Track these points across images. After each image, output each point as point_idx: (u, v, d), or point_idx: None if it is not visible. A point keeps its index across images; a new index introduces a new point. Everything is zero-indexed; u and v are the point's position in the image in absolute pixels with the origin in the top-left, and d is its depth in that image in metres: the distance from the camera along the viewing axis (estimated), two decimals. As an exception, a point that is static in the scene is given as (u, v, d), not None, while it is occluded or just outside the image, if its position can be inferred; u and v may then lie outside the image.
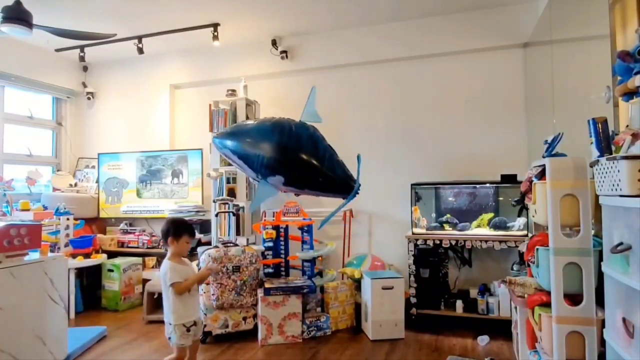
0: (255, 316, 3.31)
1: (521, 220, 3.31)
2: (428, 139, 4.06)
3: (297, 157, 3.16)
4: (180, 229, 2.36)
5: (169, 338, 2.31)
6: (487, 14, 3.83)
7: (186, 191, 4.62)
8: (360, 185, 3.24)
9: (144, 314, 3.73)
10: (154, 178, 4.72)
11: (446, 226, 3.58)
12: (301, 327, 3.25)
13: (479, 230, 3.50)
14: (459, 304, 3.42)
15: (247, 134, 3.30)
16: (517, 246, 3.07)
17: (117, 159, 4.82)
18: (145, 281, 4.04)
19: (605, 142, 1.63)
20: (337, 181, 3.25)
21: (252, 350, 3.08)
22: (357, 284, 3.61)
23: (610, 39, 1.99)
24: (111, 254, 4.41)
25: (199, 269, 3.26)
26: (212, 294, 3.17)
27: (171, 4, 3.69)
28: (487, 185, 3.64)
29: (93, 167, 5.02)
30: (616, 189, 1.39)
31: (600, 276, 1.61)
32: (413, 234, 3.54)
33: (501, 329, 3.17)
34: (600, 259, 1.61)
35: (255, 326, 3.28)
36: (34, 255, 2.68)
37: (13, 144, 4.59)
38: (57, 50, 4.61)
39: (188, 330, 2.28)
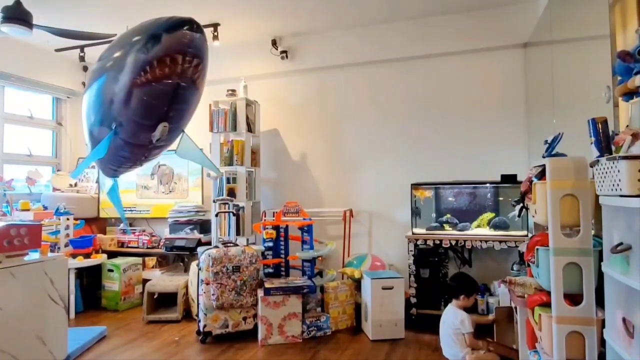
0: (255, 316, 3.31)
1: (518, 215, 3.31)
2: (428, 139, 4.06)
3: None
4: (474, 289, 2.90)
5: None
6: (487, 14, 3.83)
7: (186, 191, 4.63)
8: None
9: (144, 314, 3.73)
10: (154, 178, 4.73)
11: (446, 226, 3.58)
12: (301, 327, 3.25)
13: (479, 230, 3.50)
14: (459, 304, 3.42)
15: None
16: (517, 246, 3.07)
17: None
18: (145, 281, 4.04)
19: (605, 142, 1.63)
20: None
21: (252, 350, 3.08)
22: (357, 284, 3.60)
23: (610, 39, 1.98)
24: (111, 254, 4.41)
25: (199, 269, 3.27)
26: (212, 294, 3.17)
27: (171, 4, 3.69)
28: (487, 185, 3.64)
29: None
30: (616, 189, 1.39)
31: (600, 276, 1.60)
32: (413, 234, 3.54)
33: (501, 329, 3.17)
34: (600, 259, 1.61)
35: (255, 326, 3.29)
36: (34, 255, 2.68)
37: (13, 144, 4.59)
38: (57, 50, 4.61)
39: None
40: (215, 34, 4.06)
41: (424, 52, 4.04)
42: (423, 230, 3.59)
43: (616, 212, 1.45)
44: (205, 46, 2.44)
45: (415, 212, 3.69)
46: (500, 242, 3.26)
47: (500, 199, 3.63)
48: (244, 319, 3.30)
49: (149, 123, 2.46)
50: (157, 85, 2.27)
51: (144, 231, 4.71)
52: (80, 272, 4.13)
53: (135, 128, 2.51)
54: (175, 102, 2.44)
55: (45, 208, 4.21)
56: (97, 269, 4.17)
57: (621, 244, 1.36)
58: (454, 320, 2.75)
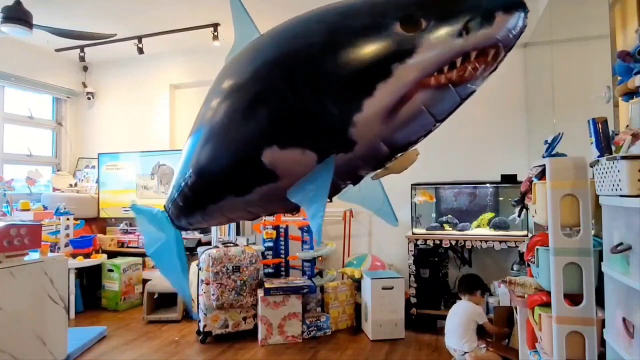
0: (255, 316, 3.31)
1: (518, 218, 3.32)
2: (428, 138, 4.04)
3: None
4: (487, 288, 3.04)
5: None
6: (487, 14, 3.82)
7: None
8: None
9: (144, 314, 3.73)
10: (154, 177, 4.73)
11: (446, 226, 3.58)
12: (301, 327, 3.25)
13: (479, 230, 3.50)
14: (459, 304, 3.42)
15: None
16: (517, 246, 3.06)
17: (117, 159, 4.82)
18: (145, 281, 4.04)
19: (605, 142, 1.63)
20: None
21: (252, 350, 3.08)
22: (357, 284, 3.60)
23: (610, 39, 1.99)
24: (111, 254, 4.41)
25: (199, 269, 3.27)
26: (212, 294, 3.17)
27: (171, 4, 3.69)
28: (487, 185, 3.64)
29: (93, 167, 5.02)
30: (616, 189, 1.39)
31: (600, 276, 1.60)
32: (413, 234, 3.54)
33: (501, 329, 3.17)
34: (600, 259, 1.61)
35: (255, 326, 3.29)
36: (34, 255, 2.67)
37: (13, 144, 4.59)
38: (57, 50, 4.61)
39: None
40: (215, 34, 4.05)
41: (424, 52, 4.04)
42: (423, 230, 3.59)
43: (616, 212, 1.45)
44: None
45: (421, 209, 3.70)
46: (500, 242, 3.26)
47: (500, 199, 3.63)
48: (244, 319, 3.30)
49: (386, 151, 1.47)
50: (453, 91, 1.39)
51: (144, 231, 4.71)
52: (80, 272, 4.13)
53: (371, 154, 1.47)
54: (447, 118, 1.52)
55: (45, 208, 4.21)
56: (97, 269, 4.17)
57: (621, 244, 1.36)
58: (472, 310, 2.76)
